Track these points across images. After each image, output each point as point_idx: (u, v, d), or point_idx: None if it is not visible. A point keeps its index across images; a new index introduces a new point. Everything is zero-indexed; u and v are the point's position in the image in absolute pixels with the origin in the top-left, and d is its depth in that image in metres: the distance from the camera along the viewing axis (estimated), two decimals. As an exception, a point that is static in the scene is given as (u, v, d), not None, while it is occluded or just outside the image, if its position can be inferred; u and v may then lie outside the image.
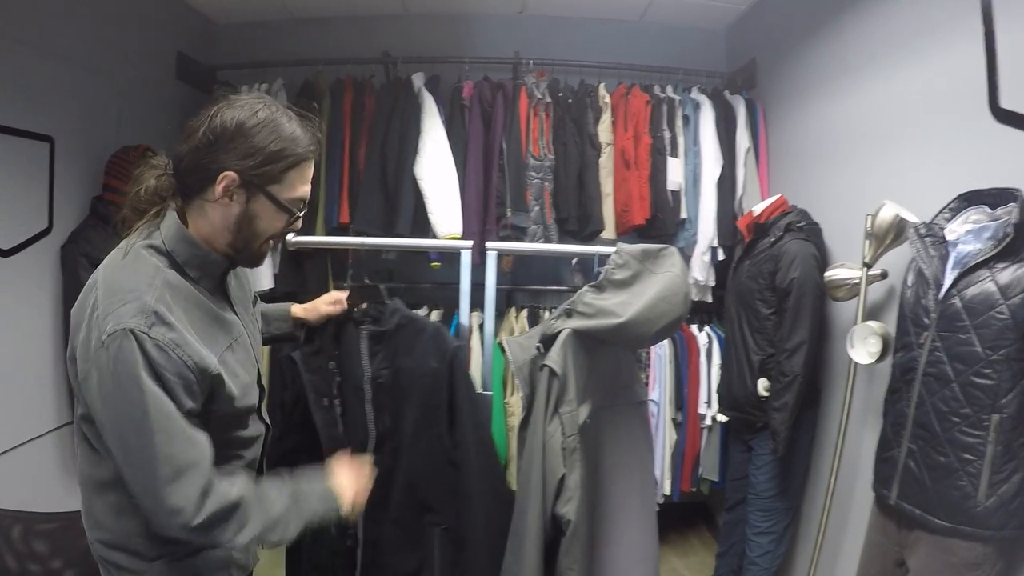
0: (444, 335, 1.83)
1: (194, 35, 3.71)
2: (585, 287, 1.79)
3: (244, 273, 1.49)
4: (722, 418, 3.11)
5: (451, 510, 1.85)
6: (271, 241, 1.30)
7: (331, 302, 1.82)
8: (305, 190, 1.27)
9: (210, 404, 1.20)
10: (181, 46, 3.57)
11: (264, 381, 1.43)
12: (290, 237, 2.13)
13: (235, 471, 1.28)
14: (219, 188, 1.18)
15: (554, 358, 1.67)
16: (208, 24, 3.83)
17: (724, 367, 3.04)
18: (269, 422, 1.45)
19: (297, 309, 1.81)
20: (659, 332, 1.71)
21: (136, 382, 1.07)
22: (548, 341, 1.77)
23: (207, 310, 1.24)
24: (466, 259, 2.05)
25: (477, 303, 3.35)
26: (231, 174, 1.17)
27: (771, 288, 2.68)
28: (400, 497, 1.84)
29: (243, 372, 1.29)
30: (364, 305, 1.88)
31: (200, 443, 1.15)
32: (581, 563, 1.69)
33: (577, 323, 1.73)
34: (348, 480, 1.45)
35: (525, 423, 1.79)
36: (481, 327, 3.16)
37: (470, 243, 2.07)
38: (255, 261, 1.32)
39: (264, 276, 3.24)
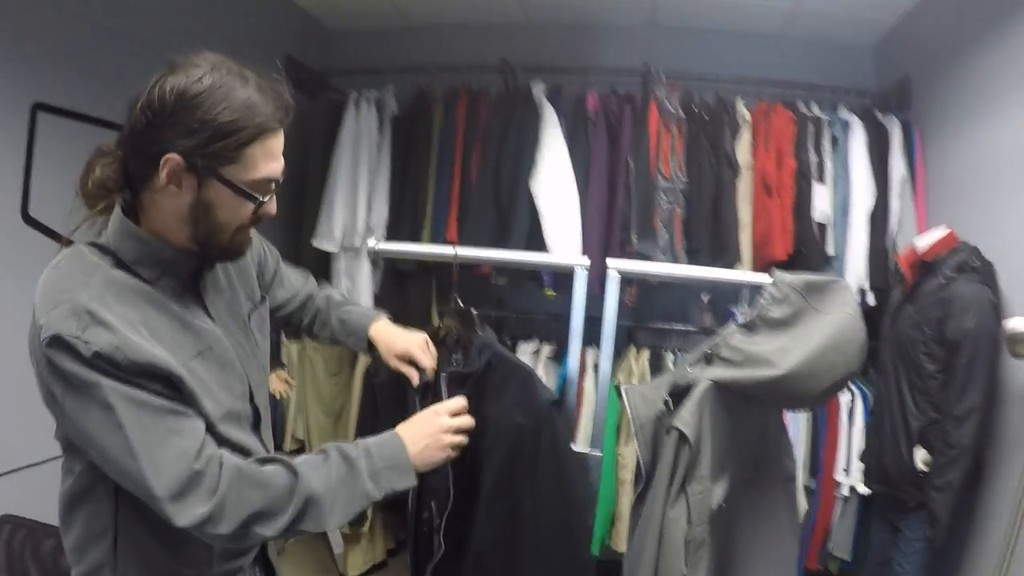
0: (536, 385, 1.54)
1: (304, 39, 3.67)
2: (732, 326, 1.45)
3: (246, 268, 1.29)
4: (864, 490, 2.77)
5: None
6: (246, 231, 1.11)
7: (411, 356, 1.51)
8: (273, 168, 1.06)
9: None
10: (290, 49, 3.49)
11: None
12: (373, 244, 1.98)
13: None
14: (163, 175, 0.99)
15: (686, 418, 1.34)
16: (320, 28, 3.77)
17: (875, 431, 2.64)
18: (273, 453, 1.24)
19: (379, 335, 1.54)
20: (827, 390, 1.37)
21: (85, 385, 0.93)
22: (679, 394, 1.44)
23: (168, 312, 1.05)
24: (581, 279, 1.73)
25: (593, 338, 3.16)
26: (174, 156, 0.97)
27: (939, 340, 2.30)
28: (472, 561, 1.57)
29: (219, 390, 1.09)
30: (450, 329, 1.66)
31: (186, 430, 1.00)
32: None
33: (720, 373, 1.40)
34: (428, 429, 1.24)
35: (641, 498, 1.48)
36: (596, 367, 2.89)
37: (586, 260, 1.75)
38: (232, 255, 1.13)
39: (364, 295, 3.14)
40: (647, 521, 1.36)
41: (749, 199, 3.09)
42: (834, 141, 3.10)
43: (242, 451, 1.09)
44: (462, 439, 1.27)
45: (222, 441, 1.06)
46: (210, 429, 1.04)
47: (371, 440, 1.18)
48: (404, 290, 3.18)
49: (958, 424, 2.20)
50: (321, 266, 3.32)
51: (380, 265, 3.10)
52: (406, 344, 1.51)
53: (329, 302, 1.58)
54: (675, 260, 2.95)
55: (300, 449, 3.39)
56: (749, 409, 1.45)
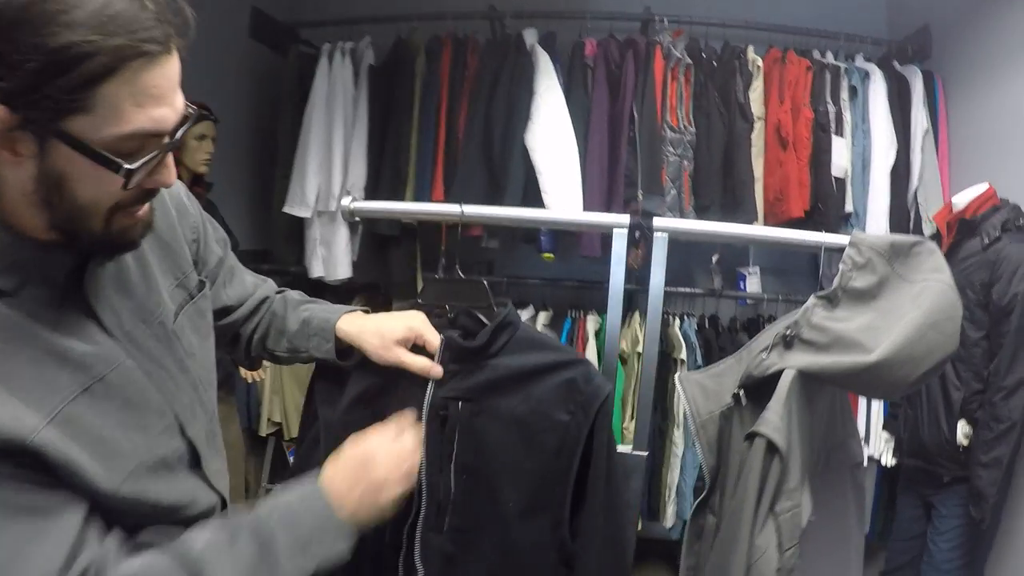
0: (590, 375, 1.15)
1: (270, -11, 3.42)
2: (812, 300, 1.17)
3: (173, 246, 0.93)
4: (890, 461, 2.63)
5: None
6: (132, 213, 0.75)
7: (417, 336, 1.13)
8: (153, 117, 0.69)
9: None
10: (255, 1, 3.25)
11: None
12: (349, 202, 1.49)
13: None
14: None
15: (776, 423, 1.06)
16: (287, -23, 3.46)
17: (909, 402, 2.47)
18: (223, 493, 0.96)
19: (350, 328, 1.13)
20: (923, 377, 1.10)
21: None
22: (755, 387, 1.17)
23: (28, 340, 0.72)
24: (621, 241, 1.46)
25: (592, 304, 2.99)
26: None
27: (983, 305, 2.19)
28: None
29: (121, 437, 0.77)
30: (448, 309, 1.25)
31: (48, 534, 0.69)
32: None
33: (805, 360, 1.13)
34: (361, 469, 0.93)
35: (702, 508, 1.25)
36: (598, 333, 2.72)
37: (625, 219, 1.47)
38: (114, 247, 0.78)
39: (341, 264, 2.90)
40: (726, 552, 1.09)
41: (761, 152, 2.92)
42: (852, 91, 2.96)
43: (169, 509, 0.83)
44: (413, 467, 0.99)
45: (133, 508, 0.78)
46: (106, 503, 0.75)
47: (291, 498, 0.87)
48: (385, 257, 2.92)
49: (1006, 396, 2.08)
50: (294, 235, 3.09)
51: (359, 231, 2.83)
52: (407, 324, 1.11)
53: (287, 303, 1.18)
54: (682, 219, 2.73)
55: (278, 432, 3.15)
56: (822, 393, 1.20)
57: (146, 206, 0.77)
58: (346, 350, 1.13)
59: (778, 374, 1.10)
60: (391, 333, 1.10)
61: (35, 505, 0.68)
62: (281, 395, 3.04)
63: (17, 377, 0.68)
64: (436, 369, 1.10)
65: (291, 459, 3.26)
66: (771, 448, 1.03)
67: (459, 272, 1.34)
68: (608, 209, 2.73)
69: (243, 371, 2.67)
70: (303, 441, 1.23)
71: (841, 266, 1.18)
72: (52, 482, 0.69)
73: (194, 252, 0.98)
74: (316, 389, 1.20)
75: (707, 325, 2.94)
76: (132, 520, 0.79)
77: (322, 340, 1.12)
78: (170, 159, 0.74)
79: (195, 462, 0.89)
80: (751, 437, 1.06)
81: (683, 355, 2.67)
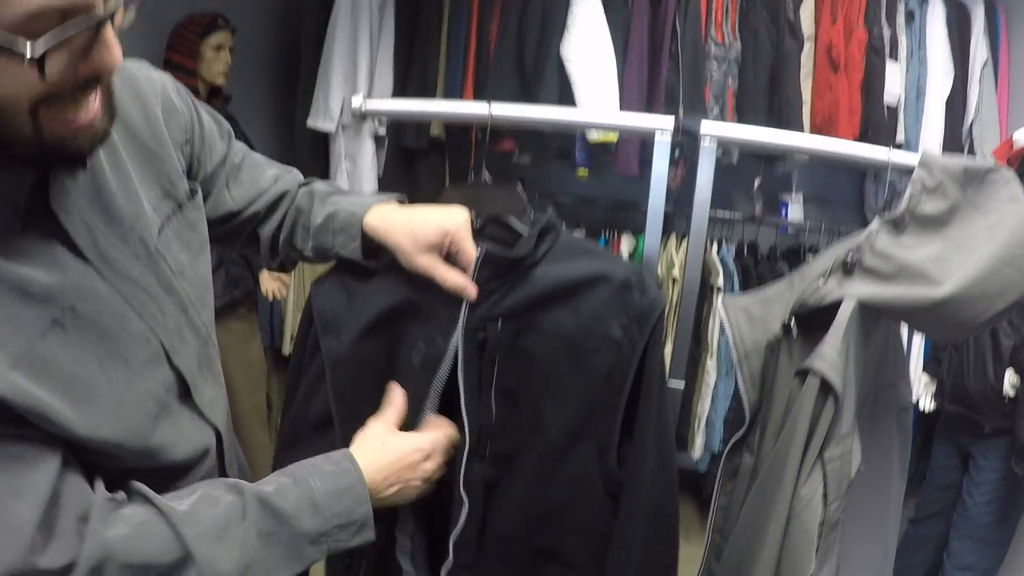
0: (646, 285, 1.01)
1: None
2: (876, 223, 1.06)
3: (158, 151, 0.81)
4: (929, 406, 2.51)
5: (597, 565, 1.09)
6: (64, 111, 0.61)
7: (453, 243, 0.96)
8: None
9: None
10: None
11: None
12: (371, 103, 1.34)
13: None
14: None
15: (833, 359, 0.95)
16: None
17: (955, 346, 2.36)
18: (218, 425, 0.86)
19: (379, 224, 0.97)
20: (994, 317, 1.00)
21: None
22: (808, 317, 1.07)
23: None
24: (663, 149, 1.34)
25: (626, 224, 2.90)
26: None
27: None
28: (512, 533, 1.08)
29: (95, 369, 0.69)
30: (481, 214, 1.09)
31: (20, 487, 0.62)
32: None
33: (867, 289, 1.01)
34: (407, 461, 0.88)
35: (738, 447, 1.15)
36: (632, 254, 2.72)
37: (669, 122, 1.33)
38: (58, 156, 0.64)
39: (366, 179, 2.78)
40: (766, 499, 1.00)
41: (809, 74, 2.78)
42: (909, 16, 2.84)
43: (157, 448, 0.75)
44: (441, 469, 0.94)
45: (116, 450, 0.70)
46: (86, 448, 0.67)
47: (321, 478, 0.79)
48: (413, 172, 2.83)
49: (1060, 346, 2.01)
50: (318, 150, 2.98)
51: (384, 144, 2.73)
52: (443, 227, 0.94)
53: (313, 195, 1.03)
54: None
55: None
56: (878, 328, 1.10)
57: (92, 110, 0.63)
58: (375, 249, 0.99)
59: (836, 304, 1.00)
60: (424, 236, 0.94)
61: (4, 451, 0.61)
62: (304, 312, 2.99)
63: None
64: (471, 289, 0.95)
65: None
66: (825, 387, 0.93)
67: (487, 179, 1.21)
68: (644, 144, 2.63)
69: (264, 288, 2.62)
70: (296, 385, 1.08)
71: (909, 188, 1.06)
72: (20, 431, 0.62)
73: (187, 155, 0.87)
74: (316, 310, 1.02)
75: (745, 252, 2.83)
76: (117, 464, 0.72)
77: (348, 237, 0.98)
78: (109, 36, 0.60)
79: (185, 392, 0.80)
80: (803, 373, 0.95)
81: (720, 282, 2.58)
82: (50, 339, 0.64)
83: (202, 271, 0.87)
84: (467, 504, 1.01)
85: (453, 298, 0.96)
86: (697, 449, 2.75)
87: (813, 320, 1.04)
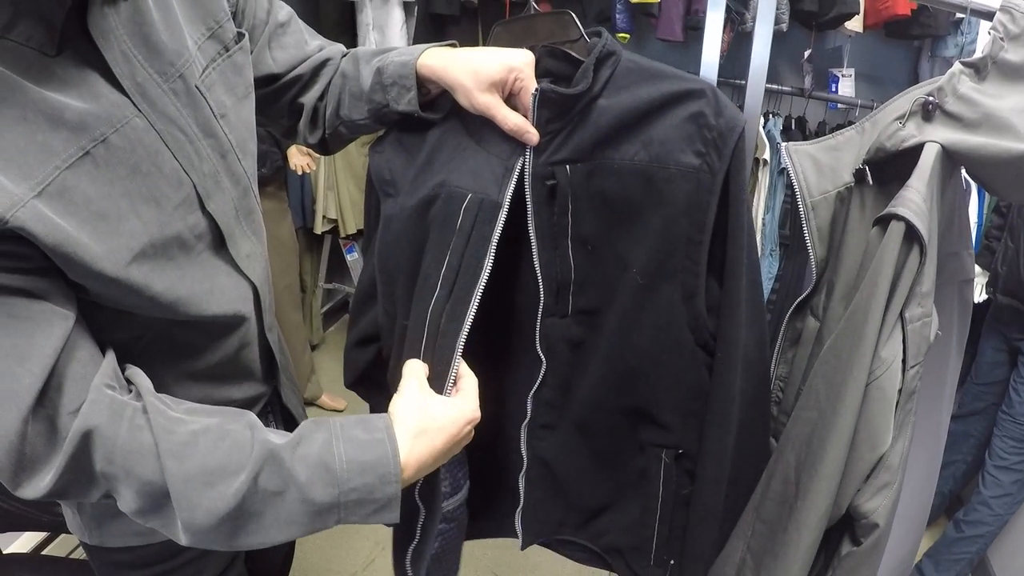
0: (721, 105, 0.88)
1: None
2: (958, 67, 0.94)
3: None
4: (979, 296, 2.36)
5: (692, 424, 1.02)
6: None
7: (515, 79, 0.86)
8: None
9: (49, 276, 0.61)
10: None
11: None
12: None
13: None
14: None
15: (919, 204, 0.84)
16: None
17: (1011, 234, 2.21)
18: (255, 280, 0.83)
19: (435, 62, 0.88)
20: None
21: None
22: (882, 164, 0.96)
23: (15, 96, 0.58)
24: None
25: None
26: None
27: None
28: (596, 394, 1.03)
29: (127, 209, 0.65)
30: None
31: (25, 343, 0.59)
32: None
33: (950, 135, 0.90)
34: (451, 431, 0.77)
35: (802, 309, 1.06)
36: None
37: None
38: None
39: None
40: (841, 362, 0.90)
41: None
42: None
43: (187, 299, 0.71)
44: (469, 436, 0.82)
45: (140, 298, 0.67)
46: (109, 293, 0.64)
47: (347, 443, 0.69)
48: (445, 36, 2.68)
49: None
50: (344, 21, 2.87)
51: (414, 12, 2.58)
52: (507, 63, 0.85)
53: (357, 59, 0.95)
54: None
55: (334, 230, 3.09)
56: (951, 185, 0.99)
57: None
58: (432, 102, 0.93)
59: (916, 149, 0.91)
60: (486, 71, 0.85)
61: (12, 298, 0.58)
62: (336, 190, 2.94)
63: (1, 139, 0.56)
64: (532, 134, 0.86)
65: (348, 257, 3.24)
66: (910, 236, 0.83)
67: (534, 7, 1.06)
68: (688, 10, 2.45)
69: (293, 163, 2.56)
70: (368, 248, 1.03)
71: (991, 33, 0.95)
72: (35, 284, 0.59)
73: (232, 2, 0.83)
74: (374, 171, 0.96)
75: (793, 127, 2.66)
76: (141, 320, 0.69)
77: (402, 89, 0.89)
78: None
79: (220, 243, 0.77)
80: (884, 221, 0.85)
81: (767, 155, 2.44)
82: (79, 170, 0.60)
83: (246, 117, 0.83)
84: (545, 363, 0.98)
85: (513, 144, 0.89)
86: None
87: (887, 169, 0.95)
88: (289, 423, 0.98)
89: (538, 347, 0.98)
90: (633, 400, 1.01)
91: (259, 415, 0.87)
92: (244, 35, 0.82)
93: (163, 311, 0.69)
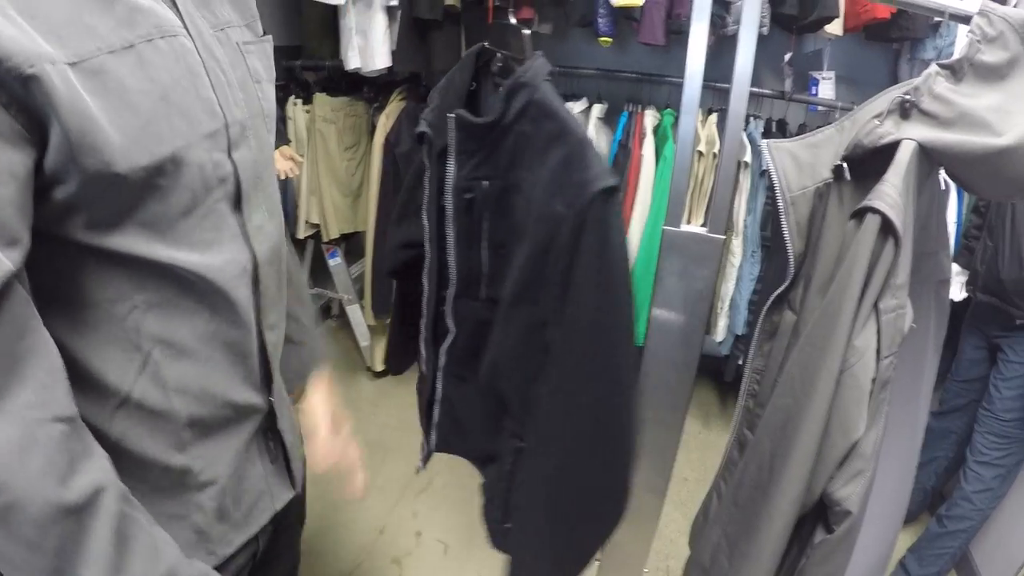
0: (588, 160, 0.94)
1: None
2: (934, 68, 0.97)
3: None
4: (959, 295, 2.36)
5: (532, 424, 1.14)
6: None
7: None
8: None
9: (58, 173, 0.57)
10: None
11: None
12: None
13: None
14: None
15: (893, 198, 0.87)
16: None
17: (989, 233, 2.23)
18: (258, 255, 0.79)
19: None
20: None
21: None
22: (860, 160, 0.99)
23: None
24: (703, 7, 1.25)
25: (651, 99, 2.78)
26: None
27: None
28: (488, 369, 1.18)
29: (161, 111, 0.62)
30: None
31: None
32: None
33: (926, 133, 0.93)
34: None
35: (779, 303, 1.09)
36: (656, 130, 2.56)
37: None
38: None
39: (379, 53, 2.63)
40: (815, 352, 0.93)
41: None
42: None
43: (181, 236, 0.67)
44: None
45: (141, 199, 0.63)
46: (110, 156, 0.58)
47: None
48: (427, 45, 2.66)
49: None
50: (327, 25, 2.87)
51: (397, 16, 2.57)
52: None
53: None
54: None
55: (316, 235, 3.08)
56: (928, 184, 1.02)
57: None
58: None
59: (893, 146, 0.93)
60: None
61: None
62: (319, 195, 2.92)
63: (43, 11, 0.54)
64: None
65: (331, 262, 3.22)
66: (885, 228, 0.86)
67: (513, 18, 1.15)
68: (670, 14, 2.45)
69: (276, 168, 2.53)
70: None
71: (968, 35, 0.98)
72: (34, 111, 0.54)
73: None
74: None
75: (773, 129, 2.70)
76: (135, 280, 0.65)
77: None
78: None
79: (236, 200, 0.74)
80: (860, 214, 0.88)
81: (747, 158, 2.47)
82: (122, 59, 0.59)
83: (271, 98, 0.83)
84: (454, 331, 1.23)
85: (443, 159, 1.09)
86: (720, 332, 2.71)
87: (865, 165, 0.97)
88: (281, 458, 0.93)
89: (449, 320, 1.22)
90: (500, 388, 1.18)
91: (252, 440, 0.84)
92: (270, 39, 0.85)
93: (152, 240, 0.65)
